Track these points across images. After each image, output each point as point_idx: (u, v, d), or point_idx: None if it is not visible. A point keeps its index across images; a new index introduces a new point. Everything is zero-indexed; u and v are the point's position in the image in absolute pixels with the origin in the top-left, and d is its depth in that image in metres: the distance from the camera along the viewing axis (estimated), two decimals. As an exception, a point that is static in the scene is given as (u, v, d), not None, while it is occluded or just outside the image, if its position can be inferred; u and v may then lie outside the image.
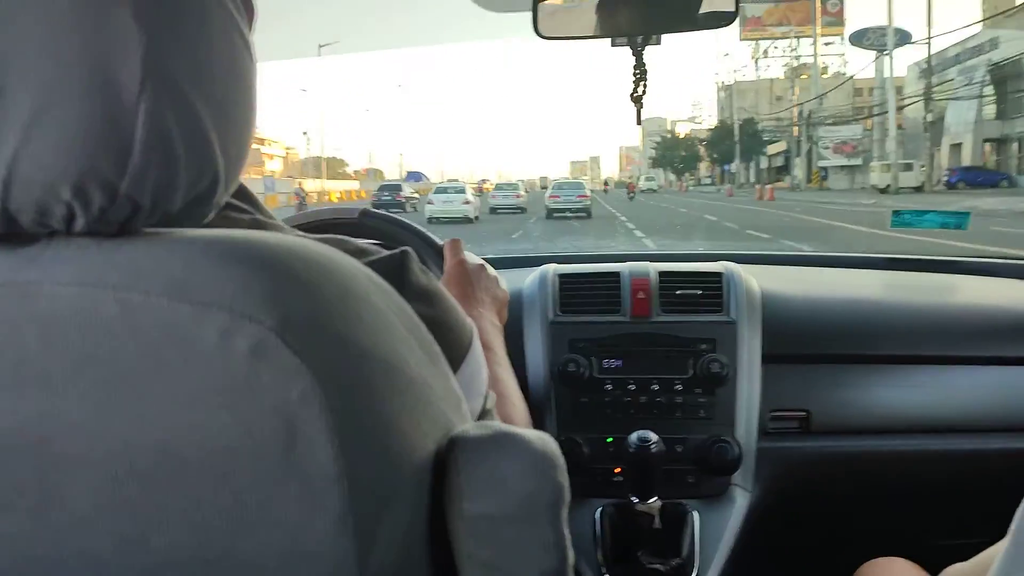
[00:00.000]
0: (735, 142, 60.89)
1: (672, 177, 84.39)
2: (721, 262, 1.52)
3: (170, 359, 0.43)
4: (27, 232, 0.47)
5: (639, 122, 1.22)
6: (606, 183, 79.59)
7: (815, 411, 1.39)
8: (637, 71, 1.18)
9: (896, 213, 1.79)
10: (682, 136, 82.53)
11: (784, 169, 59.08)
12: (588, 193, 27.85)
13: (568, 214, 25.36)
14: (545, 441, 0.53)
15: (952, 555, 0.84)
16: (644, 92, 1.20)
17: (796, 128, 53.78)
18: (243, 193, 0.63)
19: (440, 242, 1.19)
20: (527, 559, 0.51)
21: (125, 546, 0.45)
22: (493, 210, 28.72)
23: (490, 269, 1.13)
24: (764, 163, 64.20)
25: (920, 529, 1.51)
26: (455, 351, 0.63)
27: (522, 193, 31.05)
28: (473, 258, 1.15)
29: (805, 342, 1.44)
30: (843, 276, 1.77)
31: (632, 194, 43.34)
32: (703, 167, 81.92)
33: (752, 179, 63.29)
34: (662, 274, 1.46)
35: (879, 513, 1.51)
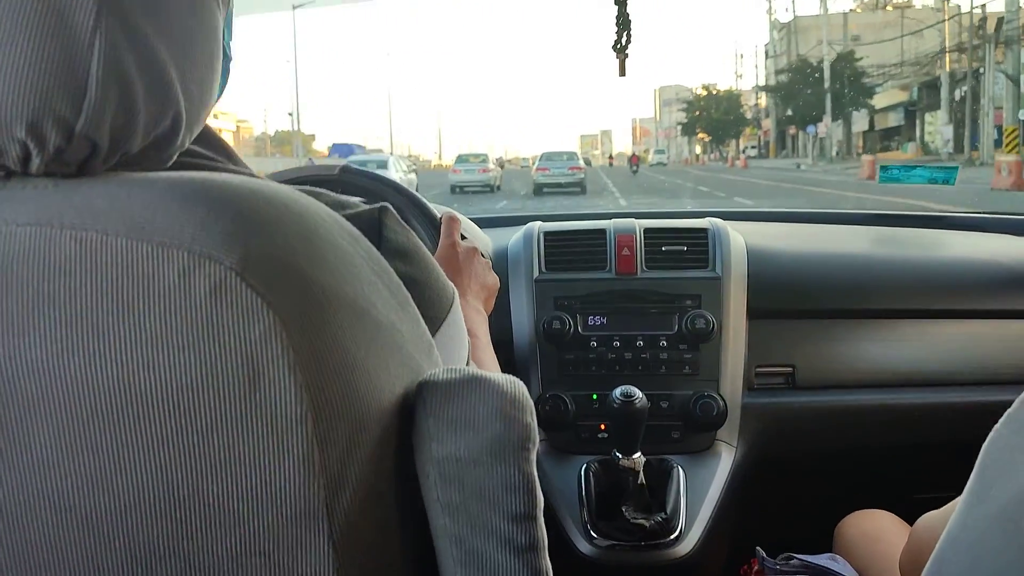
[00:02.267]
0: (824, 90, 37.37)
1: (698, 150, 68.77)
2: (707, 218, 1.51)
3: (130, 299, 0.42)
4: None
5: (622, 73, 1.20)
6: (611, 157, 71.46)
7: (801, 366, 1.39)
8: (620, 20, 1.15)
9: (884, 169, 1.77)
10: (722, 92, 59.50)
11: (894, 132, 39.48)
12: (582, 164, 24.89)
13: (559, 189, 22.47)
14: (514, 384, 0.52)
15: (932, 508, 0.84)
16: (628, 42, 1.18)
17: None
18: (215, 143, 0.61)
19: (438, 213, 1.16)
20: (494, 501, 0.50)
21: (90, 488, 0.44)
22: (454, 189, 23.69)
23: (482, 253, 1.09)
24: (860, 122, 41.52)
25: (903, 483, 1.52)
26: (434, 311, 0.61)
27: (491, 167, 25.82)
28: (472, 234, 1.11)
29: (791, 297, 1.43)
30: (830, 232, 1.76)
31: (635, 167, 37.60)
32: (746, 134, 60.77)
33: (837, 146, 40.50)
34: (647, 231, 1.45)
35: (863, 467, 1.52)
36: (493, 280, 1.05)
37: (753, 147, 58.19)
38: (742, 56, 75.93)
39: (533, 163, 27.60)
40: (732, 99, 59.45)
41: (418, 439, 0.50)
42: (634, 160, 40.48)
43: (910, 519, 1.18)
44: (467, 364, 0.68)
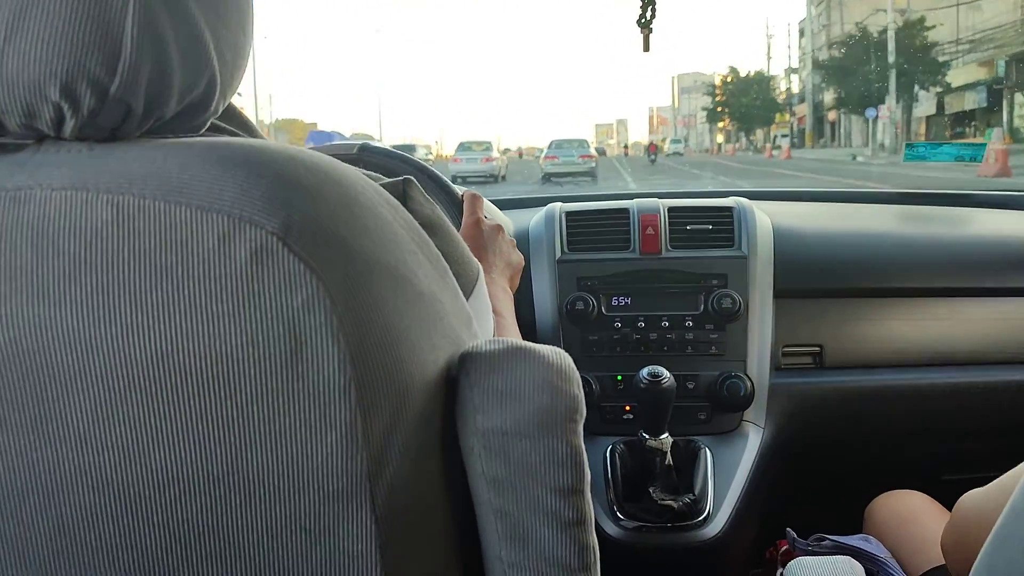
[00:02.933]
0: (888, 65, 29.97)
1: (720, 139, 60.52)
2: (732, 197, 1.49)
3: (168, 265, 0.41)
4: (15, 137, 0.45)
5: (646, 48, 1.18)
6: (626, 147, 66.65)
7: (829, 346, 1.37)
8: None
9: (909, 146, 1.75)
10: (751, 75, 52.27)
11: (967, 116, 30.06)
12: (593, 152, 23.63)
13: (568, 179, 20.54)
14: (560, 355, 0.50)
15: (963, 489, 0.83)
16: (653, 16, 1.16)
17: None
18: (238, 119, 0.60)
19: (459, 192, 1.15)
20: (541, 475, 0.49)
21: (126, 462, 0.43)
22: (455, 179, 22.23)
23: (508, 231, 1.07)
24: (925, 105, 31.82)
25: (932, 463, 1.50)
26: (462, 284, 0.60)
27: (495, 155, 24.05)
28: (494, 215, 1.09)
29: (818, 276, 1.41)
30: (856, 210, 1.73)
31: (653, 156, 35.07)
32: (777, 121, 52.01)
33: (892, 133, 30.29)
34: (671, 210, 1.43)
35: (892, 447, 1.50)
36: (518, 258, 1.04)
37: (784, 135, 48.76)
38: (772, 36, 64.58)
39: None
40: (762, 82, 52.36)
41: (462, 411, 0.49)
42: (652, 149, 37.84)
43: (942, 500, 1.16)
44: (493, 335, 0.67)
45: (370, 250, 0.45)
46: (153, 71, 0.44)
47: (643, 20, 1.15)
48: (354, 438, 0.43)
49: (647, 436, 1.18)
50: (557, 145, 23.73)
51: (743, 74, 52.96)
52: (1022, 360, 1.38)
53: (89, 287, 0.42)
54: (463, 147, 24.72)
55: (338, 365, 0.42)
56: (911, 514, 1.16)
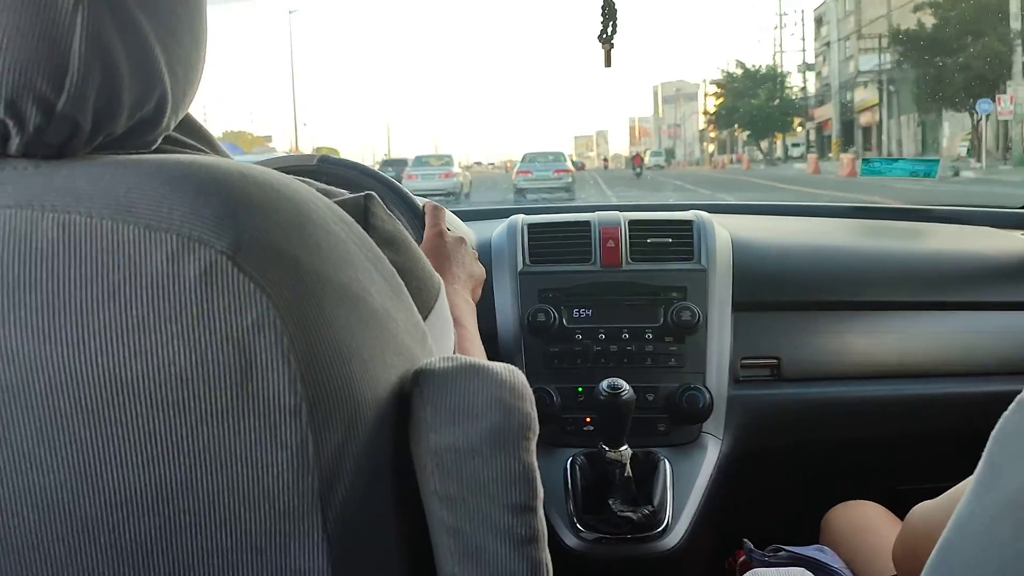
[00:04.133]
0: (1012, 34, 19.58)
1: (711, 150, 50.90)
2: (692, 211, 1.51)
3: (116, 284, 0.41)
4: None
5: (608, 64, 1.19)
6: (606, 160, 60.73)
7: (786, 358, 1.39)
8: (605, 9, 1.15)
9: (866, 161, 1.78)
10: (761, 70, 42.34)
11: None
12: (570, 167, 21.52)
13: (543, 195, 18.50)
14: (513, 372, 0.51)
15: (918, 498, 0.85)
16: (614, 31, 1.17)
17: None
18: (197, 131, 0.60)
19: (420, 203, 1.15)
20: (493, 493, 0.49)
21: (74, 483, 0.43)
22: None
23: (470, 242, 1.08)
24: None
25: (888, 473, 1.53)
26: (421, 301, 0.61)
27: (456, 171, 21.11)
28: (456, 226, 1.11)
29: (776, 290, 1.43)
30: (814, 224, 1.76)
31: (639, 169, 31.40)
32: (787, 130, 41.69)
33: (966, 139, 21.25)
34: (632, 223, 1.44)
35: (848, 458, 1.52)
36: (480, 270, 1.05)
37: (796, 144, 42.09)
38: (783, 26, 46.68)
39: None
40: (776, 79, 42.13)
41: (415, 429, 0.49)
42: (637, 161, 33.76)
43: (896, 510, 1.18)
44: (455, 349, 0.67)
45: (321, 268, 0.45)
46: (101, 88, 0.43)
47: (604, 36, 1.16)
48: (305, 457, 0.43)
49: (607, 448, 1.19)
50: (531, 159, 21.75)
51: (751, 69, 42.61)
52: (974, 372, 1.41)
53: (34, 306, 0.41)
54: (419, 161, 22.15)
55: (288, 385, 0.42)
56: (866, 524, 1.18)
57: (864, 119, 34.84)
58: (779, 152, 42.22)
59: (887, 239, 1.64)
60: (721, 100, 43.02)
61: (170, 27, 0.47)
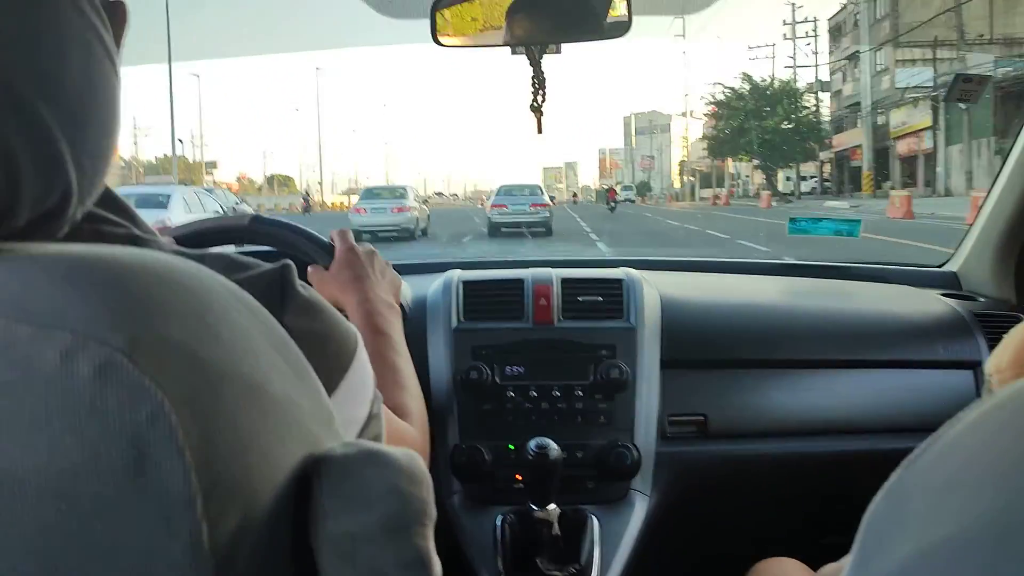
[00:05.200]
0: None
1: (693, 181, 44.65)
2: (622, 268, 1.54)
3: (7, 381, 0.41)
4: None
5: (540, 131, 1.23)
6: (575, 194, 60.14)
7: (712, 416, 1.42)
8: (535, 80, 1.18)
9: (792, 220, 1.85)
10: (775, 86, 35.89)
11: None
12: (547, 201, 20.42)
13: (520, 229, 17.96)
14: (412, 458, 0.52)
15: (843, 552, 0.87)
16: (543, 101, 1.21)
17: None
18: (118, 206, 0.60)
19: (327, 240, 1.19)
20: None
21: None
22: (359, 235, 14.87)
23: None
24: None
25: (813, 529, 1.56)
26: (340, 361, 0.62)
27: (409, 205, 19.20)
28: (364, 245, 1.17)
29: (702, 347, 1.47)
30: (743, 282, 1.81)
31: (613, 204, 30.09)
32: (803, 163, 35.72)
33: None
34: (564, 281, 1.48)
35: (774, 514, 1.56)
36: (396, 277, 1.16)
37: (809, 178, 35.52)
38: (795, 36, 38.13)
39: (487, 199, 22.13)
40: (792, 95, 35.01)
41: (314, 516, 0.50)
42: (612, 195, 31.88)
43: (818, 565, 1.21)
44: (374, 397, 0.69)
45: (221, 360, 0.46)
46: (1, 185, 0.44)
47: (534, 104, 1.20)
48: (199, 547, 0.44)
49: (535, 507, 1.21)
50: (506, 191, 20.63)
51: (761, 84, 35.94)
52: (892, 429, 1.46)
53: None
54: (370, 194, 20.48)
55: (182, 477, 0.43)
56: None
57: (904, 147, 27.84)
58: (780, 185, 35.09)
59: (809, 298, 1.69)
60: (721, 122, 36.12)
61: (78, 120, 0.48)
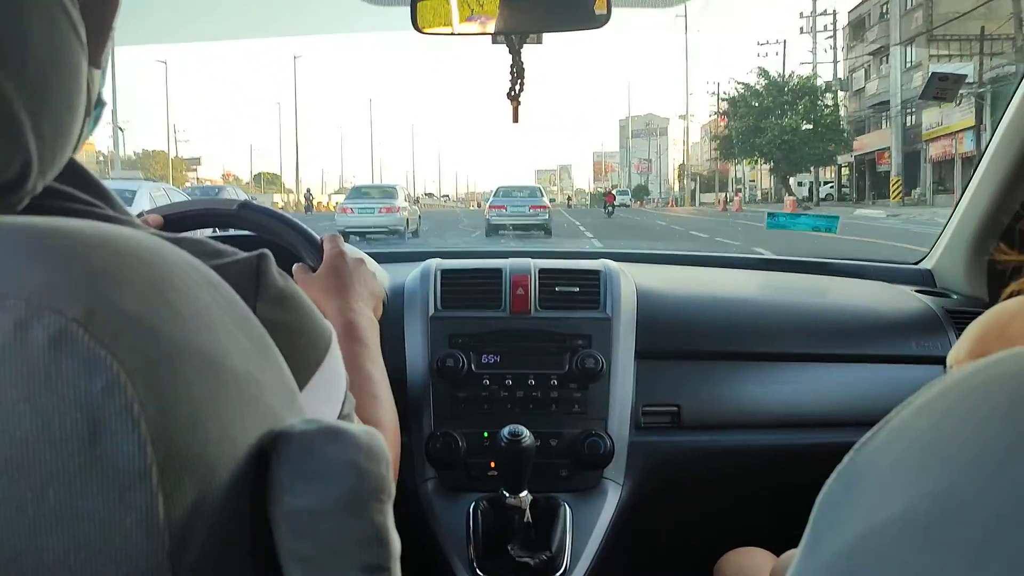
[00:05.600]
0: None
1: (693, 187, 42.39)
2: (601, 260, 1.55)
3: None
4: None
5: (516, 119, 1.23)
6: (569, 198, 59.53)
7: (686, 406, 1.43)
8: (514, 69, 1.19)
9: (771, 215, 1.86)
10: (793, 82, 32.89)
11: None
12: (546, 202, 20.20)
13: (518, 231, 17.95)
14: (371, 435, 0.53)
15: None
16: (521, 90, 1.21)
17: None
18: (95, 188, 0.60)
19: (319, 237, 1.18)
20: (345, 554, 0.50)
21: None
22: (346, 235, 12.03)
23: (369, 264, 1.14)
24: None
25: (784, 520, 1.58)
26: (311, 356, 0.62)
27: (398, 205, 18.66)
28: (353, 251, 1.16)
29: (677, 339, 1.48)
30: (720, 276, 1.82)
31: (610, 207, 29.65)
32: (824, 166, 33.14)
33: None
34: (542, 271, 1.48)
35: (744, 505, 1.57)
36: (381, 289, 1.15)
37: (824, 183, 32.56)
38: (815, 29, 34.94)
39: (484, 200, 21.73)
40: (812, 93, 31.99)
41: (272, 491, 0.51)
42: (609, 199, 31.36)
43: None
44: (345, 399, 0.69)
45: (179, 333, 0.46)
46: None
47: (512, 93, 1.20)
48: (155, 519, 0.44)
49: (507, 494, 1.21)
50: (505, 192, 20.44)
51: (778, 80, 32.86)
52: (863, 423, 1.46)
53: None
54: (357, 192, 20.00)
55: (138, 449, 0.43)
56: (754, 571, 1.22)
57: (938, 150, 25.50)
58: (793, 190, 31.80)
59: (785, 293, 1.71)
60: (734, 121, 33.08)
61: (39, 92, 0.48)
